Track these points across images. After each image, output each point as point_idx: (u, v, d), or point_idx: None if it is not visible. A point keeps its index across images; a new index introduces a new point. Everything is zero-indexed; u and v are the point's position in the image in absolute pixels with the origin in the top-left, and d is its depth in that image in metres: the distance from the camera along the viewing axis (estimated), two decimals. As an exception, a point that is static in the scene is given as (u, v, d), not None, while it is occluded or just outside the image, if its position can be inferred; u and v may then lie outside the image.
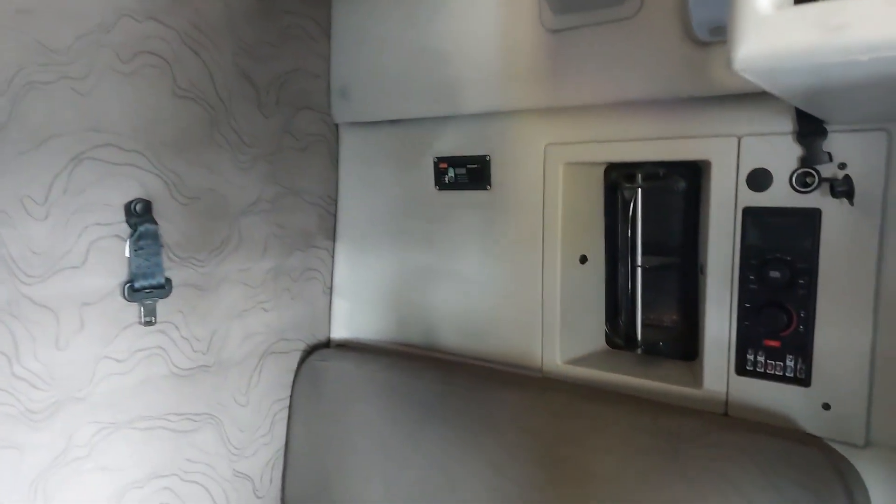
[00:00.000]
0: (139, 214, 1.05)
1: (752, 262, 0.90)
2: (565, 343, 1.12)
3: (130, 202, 1.04)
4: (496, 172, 1.17)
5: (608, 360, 1.13)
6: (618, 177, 1.13)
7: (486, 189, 1.19)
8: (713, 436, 0.90)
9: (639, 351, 1.15)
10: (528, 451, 1.03)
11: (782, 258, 0.87)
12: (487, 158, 1.18)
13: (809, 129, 0.82)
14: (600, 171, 1.14)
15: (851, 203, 0.80)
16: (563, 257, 1.11)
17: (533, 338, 1.15)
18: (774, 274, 0.87)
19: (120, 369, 1.06)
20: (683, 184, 1.06)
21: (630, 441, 0.94)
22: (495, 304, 1.20)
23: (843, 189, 0.79)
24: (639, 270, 1.13)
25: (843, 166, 0.82)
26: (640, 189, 1.11)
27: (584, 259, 1.14)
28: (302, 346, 1.39)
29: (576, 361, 1.12)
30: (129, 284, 1.05)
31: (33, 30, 0.90)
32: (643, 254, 1.13)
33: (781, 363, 0.90)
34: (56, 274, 0.97)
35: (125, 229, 1.05)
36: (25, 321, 0.94)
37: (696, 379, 0.99)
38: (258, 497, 1.33)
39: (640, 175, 1.11)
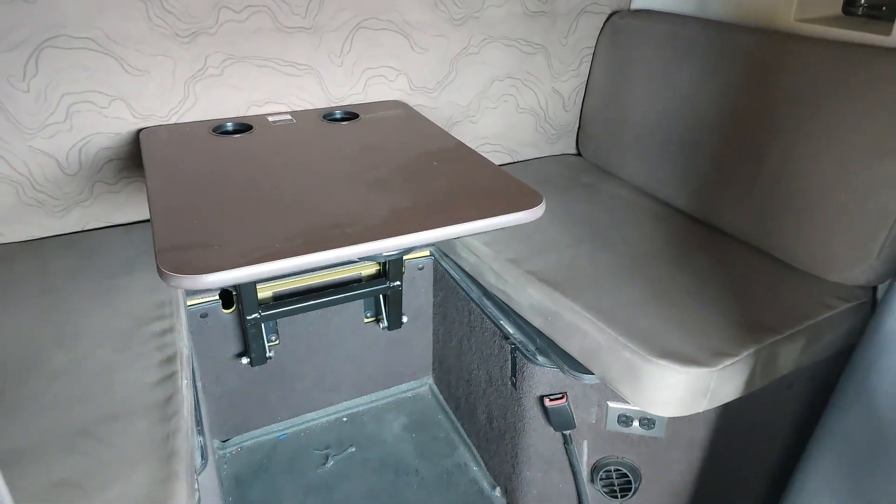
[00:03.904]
0: None
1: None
2: (801, 5, 1.49)
3: None
4: None
5: (830, 21, 1.47)
6: None
7: None
8: (887, 62, 1.26)
9: (860, 13, 1.46)
10: (745, 73, 1.51)
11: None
12: None
13: None
14: None
15: None
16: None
17: (776, 4, 1.53)
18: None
19: (497, 3, 1.79)
20: None
21: (823, 63, 1.36)
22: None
23: None
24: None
25: None
26: None
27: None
28: (608, 10, 1.96)
29: (804, 20, 1.49)
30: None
31: None
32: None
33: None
34: None
35: None
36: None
37: (889, 29, 1.31)
38: (565, 111, 2.07)
39: None
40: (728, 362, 1.12)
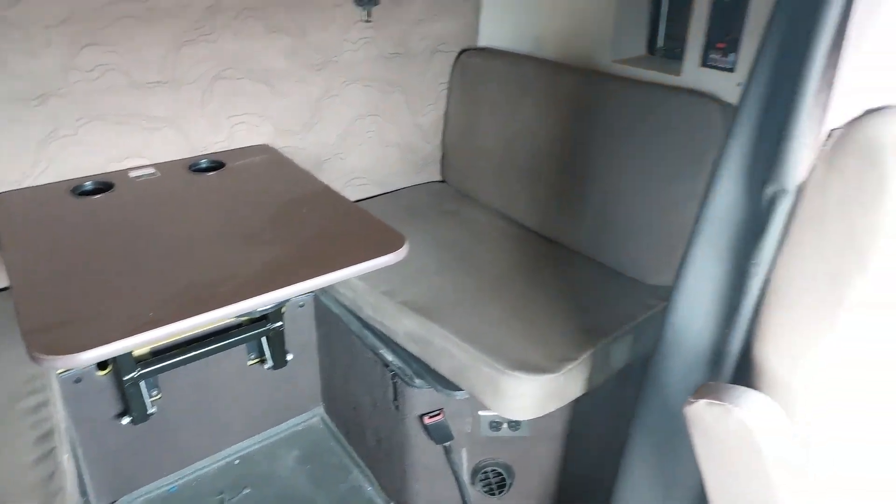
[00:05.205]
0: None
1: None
2: (614, 47, 1.74)
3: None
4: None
5: (637, 61, 1.73)
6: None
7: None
8: (677, 100, 1.52)
9: (659, 55, 1.74)
10: (572, 107, 1.74)
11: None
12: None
13: None
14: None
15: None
16: (617, -13, 1.67)
17: (596, 46, 1.77)
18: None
19: (353, 48, 1.91)
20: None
21: (631, 100, 1.60)
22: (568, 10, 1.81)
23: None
24: (665, -3, 1.67)
25: None
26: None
27: (633, -10, 1.68)
28: (456, 48, 2.14)
29: (618, 61, 1.74)
30: (355, -2, 1.84)
31: None
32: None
33: (725, 58, 1.47)
34: None
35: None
36: None
37: (679, 70, 1.58)
38: (427, 142, 2.22)
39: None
40: (570, 366, 1.30)
